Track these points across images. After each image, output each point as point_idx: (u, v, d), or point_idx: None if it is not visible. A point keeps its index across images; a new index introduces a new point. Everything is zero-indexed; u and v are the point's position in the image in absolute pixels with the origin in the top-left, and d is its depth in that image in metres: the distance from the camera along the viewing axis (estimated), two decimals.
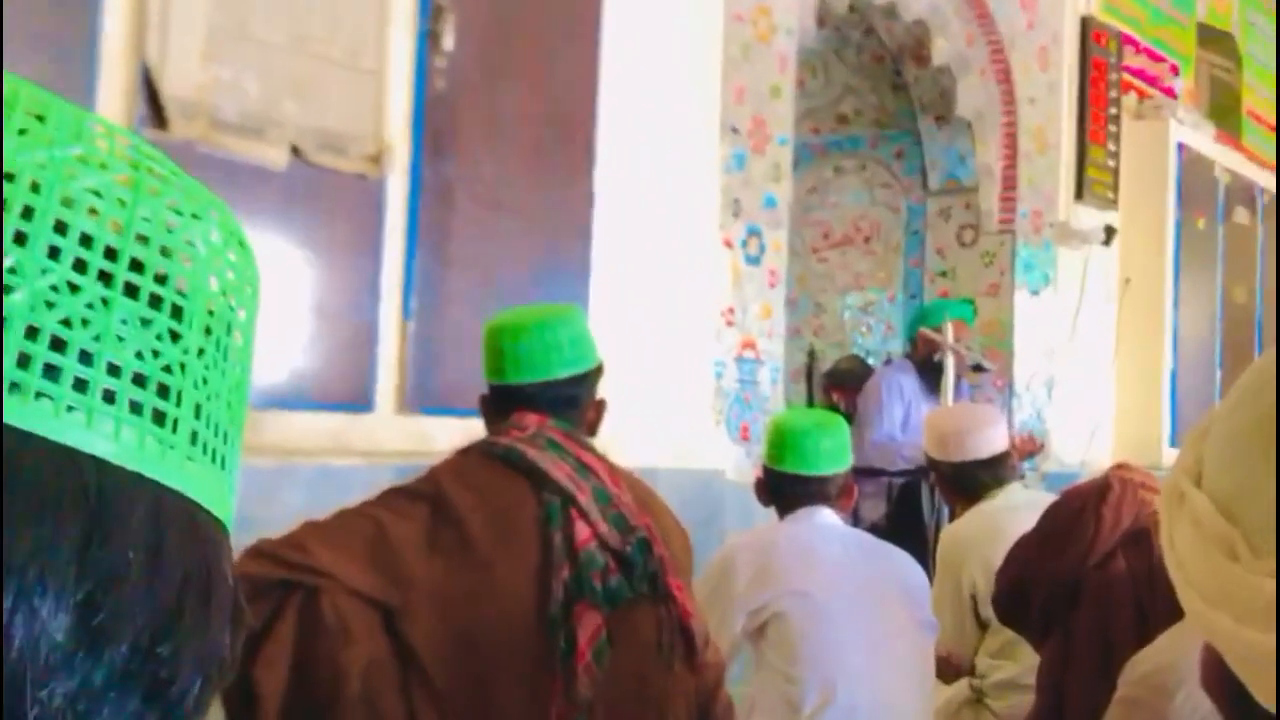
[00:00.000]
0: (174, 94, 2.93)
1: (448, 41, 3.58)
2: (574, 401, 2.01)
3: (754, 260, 4.70)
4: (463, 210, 3.64)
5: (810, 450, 2.60)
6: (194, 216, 0.43)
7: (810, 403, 6.12)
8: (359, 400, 3.39)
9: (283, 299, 3.17)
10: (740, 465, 4.61)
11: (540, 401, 1.97)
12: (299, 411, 3.22)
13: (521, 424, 1.94)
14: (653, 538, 1.87)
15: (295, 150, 3.20)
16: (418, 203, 3.52)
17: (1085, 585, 2.42)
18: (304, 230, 3.25)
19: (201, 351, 0.42)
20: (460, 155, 3.64)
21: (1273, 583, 0.57)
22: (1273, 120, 8.99)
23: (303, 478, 3.09)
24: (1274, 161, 8.60)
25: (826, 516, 2.62)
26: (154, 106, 2.90)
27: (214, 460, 0.44)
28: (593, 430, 2.07)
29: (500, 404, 2.01)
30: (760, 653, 2.54)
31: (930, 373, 5.19)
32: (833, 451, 2.62)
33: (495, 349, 2.01)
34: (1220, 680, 0.64)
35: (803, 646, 2.47)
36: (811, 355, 6.34)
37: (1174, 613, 2.34)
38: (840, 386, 5.90)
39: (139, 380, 0.40)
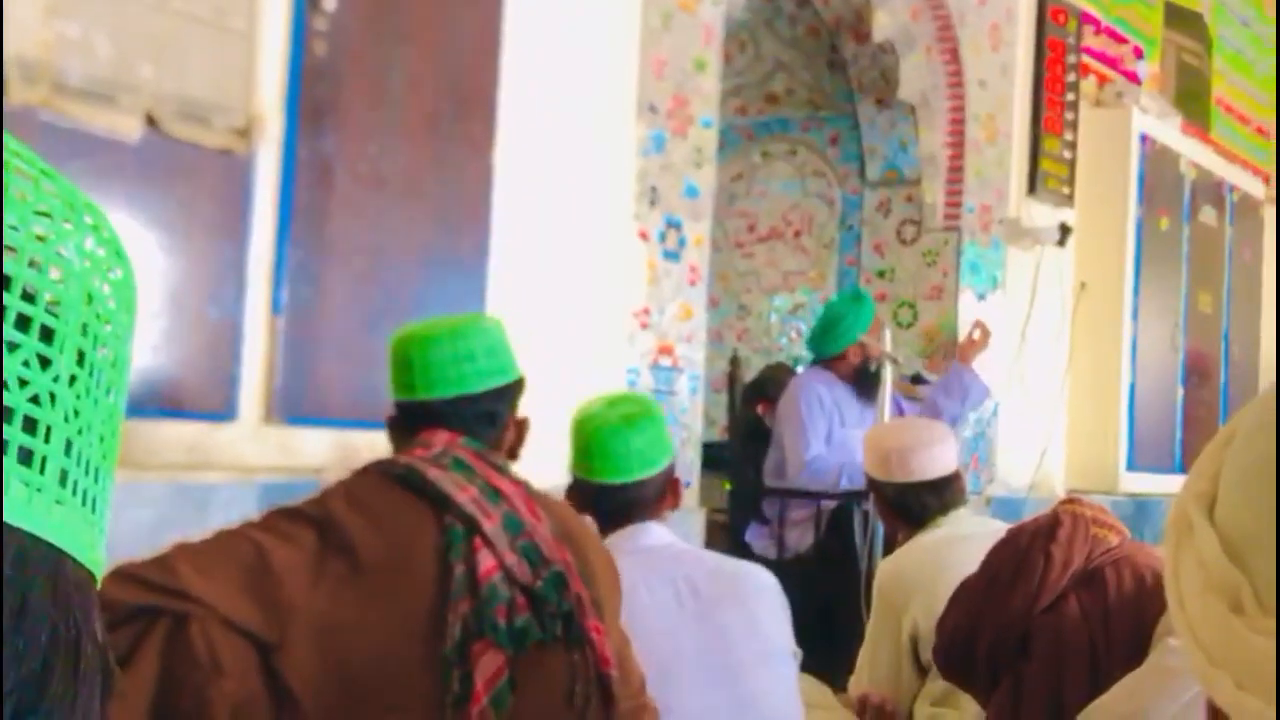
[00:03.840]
0: (12, 53, 2.87)
1: None
2: (491, 419, 2.04)
3: (672, 255, 4.72)
4: (343, 191, 3.61)
5: (620, 453, 2.48)
6: (65, 223, 0.43)
7: (732, 414, 6.16)
8: (220, 408, 3.34)
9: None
10: None
11: (452, 420, 2.00)
12: (150, 420, 3.17)
13: (428, 442, 1.95)
14: (570, 574, 1.88)
15: (151, 120, 3.15)
16: (291, 182, 3.48)
17: (1035, 631, 2.46)
18: (159, 211, 3.20)
19: (73, 379, 0.42)
20: (341, 129, 3.61)
21: (1274, 643, 0.52)
22: (1244, 110, 9.19)
23: (154, 495, 3.04)
24: (1245, 156, 8.81)
25: (655, 535, 2.52)
26: None
27: (84, 502, 0.43)
28: (513, 453, 2.09)
29: (408, 424, 2.03)
30: None
31: (861, 382, 5.22)
32: (645, 450, 2.50)
33: (403, 361, 2.03)
34: None
35: None
36: (734, 363, 6.35)
37: (1130, 657, 2.37)
38: (765, 398, 5.93)
39: (3, 415, 0.39)
